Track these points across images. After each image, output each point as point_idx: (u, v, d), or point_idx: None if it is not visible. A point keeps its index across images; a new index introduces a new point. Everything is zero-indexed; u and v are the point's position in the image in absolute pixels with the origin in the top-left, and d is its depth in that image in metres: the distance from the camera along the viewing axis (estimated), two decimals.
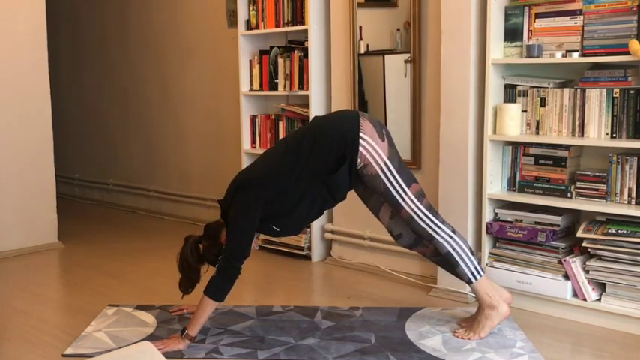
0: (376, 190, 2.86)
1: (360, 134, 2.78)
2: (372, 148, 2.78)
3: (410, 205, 2.85)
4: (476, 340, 2.89)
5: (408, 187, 2.84)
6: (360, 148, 2.77)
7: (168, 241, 4.61)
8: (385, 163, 2.80)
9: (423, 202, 2.87)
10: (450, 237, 2.91)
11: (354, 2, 3.96)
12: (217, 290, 2.82)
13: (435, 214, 2.91)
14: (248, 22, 4.49)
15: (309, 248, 4.28)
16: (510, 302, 3.01)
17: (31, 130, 4.65)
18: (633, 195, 3.02)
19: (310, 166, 2.80)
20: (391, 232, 3.08)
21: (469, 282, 2.95)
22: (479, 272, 2.93)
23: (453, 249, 2.91)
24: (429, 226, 2.88)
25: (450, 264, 2.95)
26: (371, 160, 2.79)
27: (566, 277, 3.14)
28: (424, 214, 2.87)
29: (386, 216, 3.05)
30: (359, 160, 2.78)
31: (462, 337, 2.92)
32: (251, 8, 4.46)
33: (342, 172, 2.79)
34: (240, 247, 2.82)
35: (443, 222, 2.91)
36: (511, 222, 3.32)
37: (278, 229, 2.92)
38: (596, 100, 3.07)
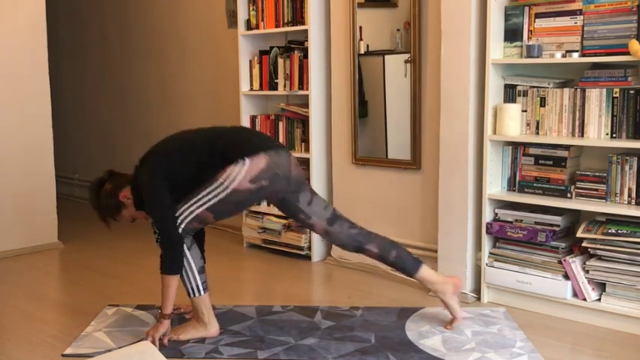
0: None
1: (248, 158, 2.80)
2: (237, 173, 2.79)
3: (183, 211, 2.83)
4: (475, 340, 2.89)
5: (207, 209, 2.81)
6: (234, 164, 2.79)
7: None
8: (225, 187, 2.79)
9: (188, 223, 2.83)
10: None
11: (354, 2, 3.96)
12: (169, 265, 2.86)
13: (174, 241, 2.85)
14: (248, 22, 4.49)
15: (309, 248, 4.28)
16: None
17: (31, 129, 4.65)
18: (633, 195, 3.02)
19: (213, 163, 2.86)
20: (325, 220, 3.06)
21: (190, 295, 2.95)
22: (199, 290, 2.93)
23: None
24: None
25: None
26: (227, 174, 2.79)
27: (566, 277, 3.14)
28: (173, 224, 2.83)
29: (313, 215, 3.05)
30: (229, 165, 2.80)
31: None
32: (251, 8, 4.45)
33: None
34: (164, 214, 2.84)
35: (173, 243, 2.85)
36: (511, 222, 3.32)
37: None
38: (596, 100, 3.07)
